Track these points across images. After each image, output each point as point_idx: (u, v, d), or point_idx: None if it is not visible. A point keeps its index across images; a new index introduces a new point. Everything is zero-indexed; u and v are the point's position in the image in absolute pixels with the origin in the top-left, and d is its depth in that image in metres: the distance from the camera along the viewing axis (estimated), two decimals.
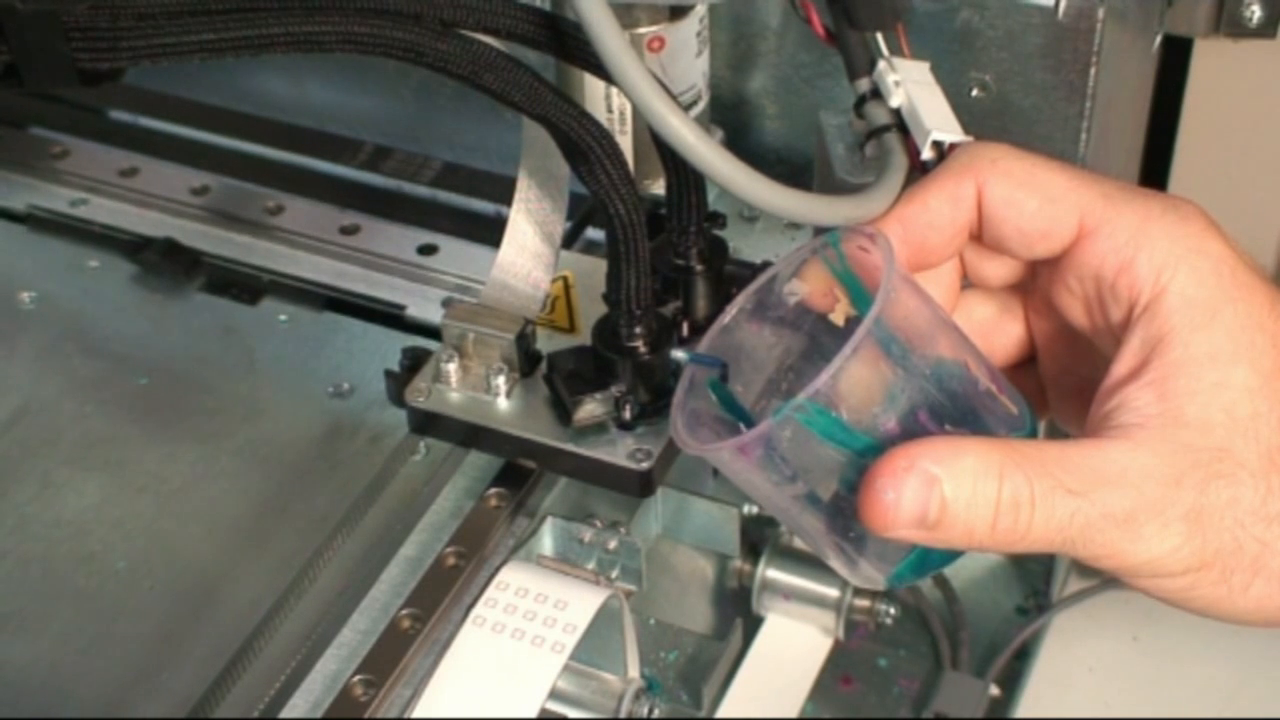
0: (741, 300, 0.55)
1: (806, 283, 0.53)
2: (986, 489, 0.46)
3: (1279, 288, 0.50)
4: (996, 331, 0.55)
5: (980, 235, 0.51)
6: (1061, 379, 0.55)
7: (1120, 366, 0.49)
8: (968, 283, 0.55)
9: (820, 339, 0.54)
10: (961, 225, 0.51)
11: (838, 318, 0.53)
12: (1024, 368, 0.56)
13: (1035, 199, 0.49)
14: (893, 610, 0.82)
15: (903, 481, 0.46)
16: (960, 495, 0.46)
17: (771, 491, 0.51)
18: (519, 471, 0.63)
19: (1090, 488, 0.46)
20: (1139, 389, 0.48)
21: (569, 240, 0.74)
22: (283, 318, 0.80)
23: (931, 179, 0.51)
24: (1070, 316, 0.52)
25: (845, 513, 0.50)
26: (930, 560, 0.51)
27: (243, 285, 0.81)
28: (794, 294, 0.54)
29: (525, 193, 0.64)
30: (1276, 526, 0.47)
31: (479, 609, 0.57)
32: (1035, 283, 0.54)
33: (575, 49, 0.57)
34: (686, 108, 0.68)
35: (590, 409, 0.60)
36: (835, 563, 0.52)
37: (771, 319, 0.55)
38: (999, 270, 0.54)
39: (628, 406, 0.60)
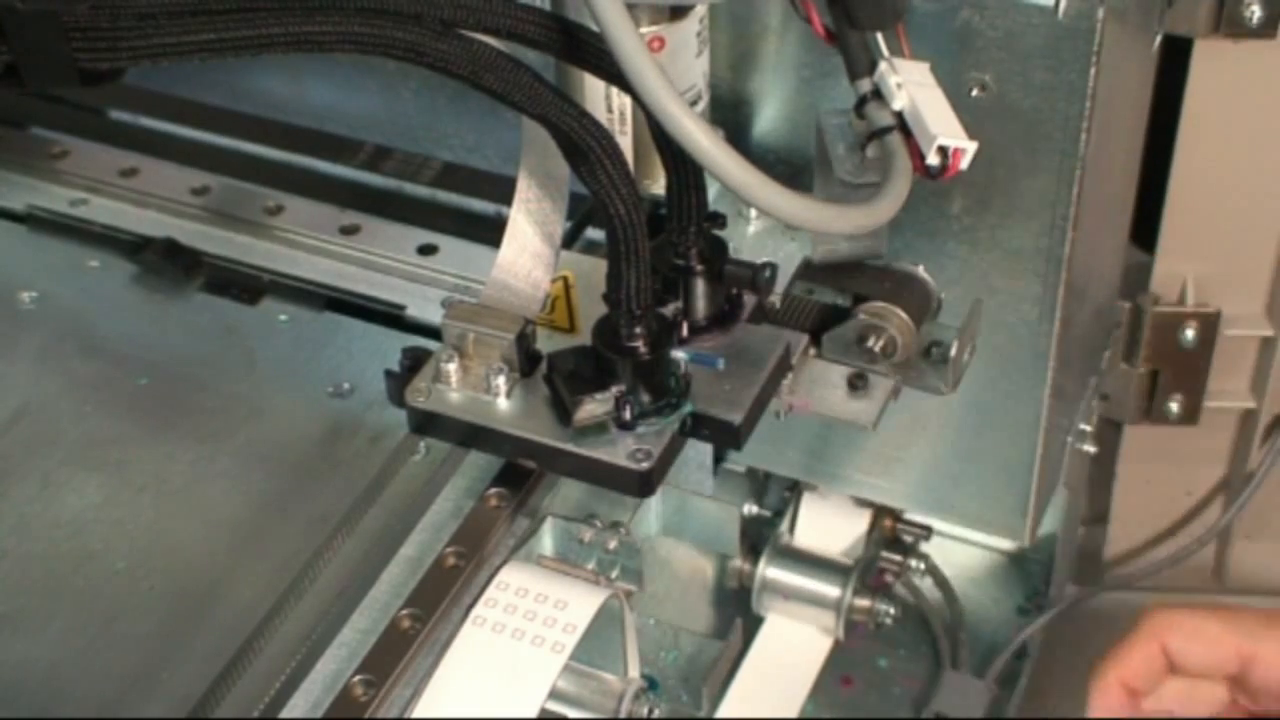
0: None
1: None
2: None
3: None
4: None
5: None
6: None
7: None
8: None
9: None
10: (1158, 675, 0.63)
11: None
12: None
13: (1200, 647, 0.62)
14: (893, 610, 0.82)
15: None
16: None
17: None
18: (519, 471, 0.63)
19: None
20: None
21: (569, 240, 0.74)
22: (283, 318, 0.80)
23: (1126, 652, 0.63)
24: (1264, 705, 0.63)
25: None
26: None
27: (243, 285, 0.81)
28: None
29: (525, 193, 0.64)
30: None
31: (479, 609, 0.57)
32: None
33: (576, 49, 0.57)
34: None
35: (590, 409, 0.60)
36: None
37: None
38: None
39: (628, 406, 0.60)
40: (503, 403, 0.62)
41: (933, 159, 0.54)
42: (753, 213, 0.73)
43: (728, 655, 0.75)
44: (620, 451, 0.60)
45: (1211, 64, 0.83)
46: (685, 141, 0.50)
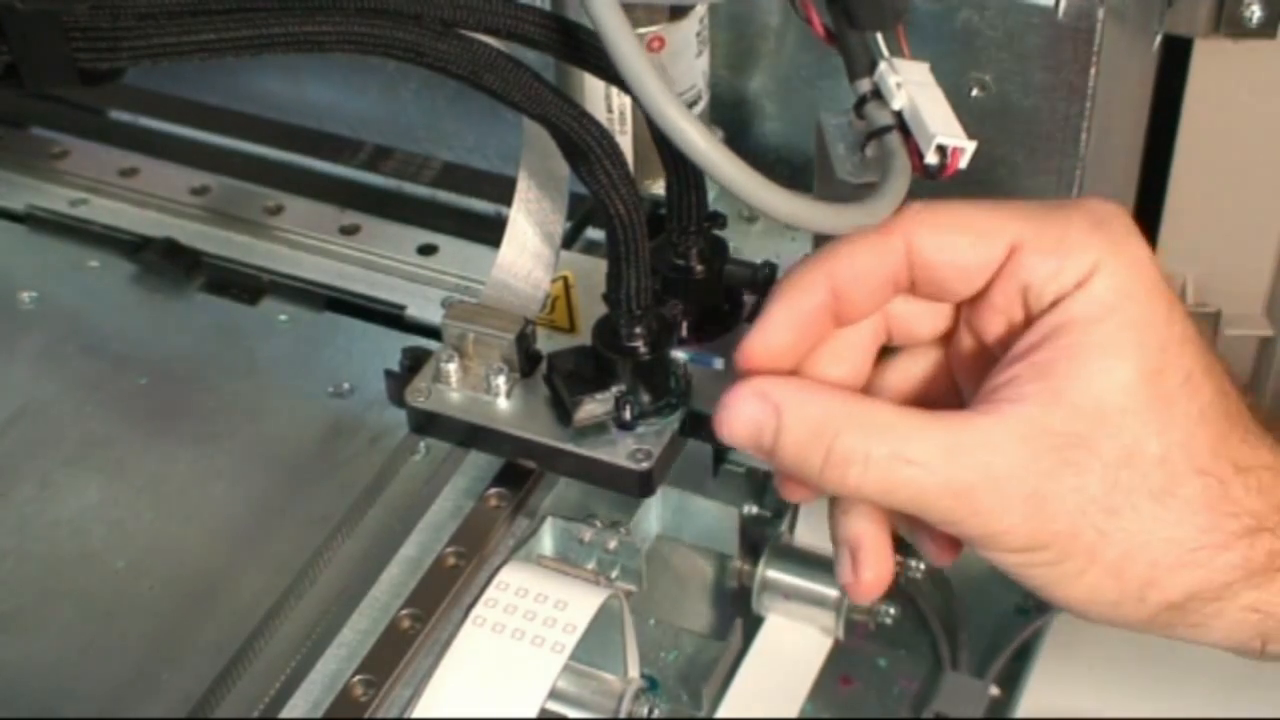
0: None
1: None
2: (819, 440, 0.49)
3: (1180, 299, 0.51)
4: (931, 386, 0.56)
5: (918, 287, 0.52)
6: None
7: (1017, 347, 0.50)
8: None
9: None
10: (886, 278, 0.52)
11: None
12: None
13: (966, 236, 0.51)
14: (892, 610, 0.81)
15: (748, 402, 0.50)
16: (792, 436, 0.49)
17: None
18: (519, 471, 0.63)
19: (932, 459, 0.48)
20: (1024, 367, 0.49)
21: (569, 240, 0.74)
22: (283, 318, 0.80)
23: (858, 235, 0.52)
24: (992, 337, 0.52)
25: None
26: None
27: (243, 285, 0.81)
28: None
29: (525, 193, 0.64)
30: (1116, 520, 0.48)
31: (479, 609, 0.57)
32: (959, 329, 0.54)
33: (576, 49, 0.57)
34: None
35: (590, 409, 0.60)
36: None
37: None
38: (927, 323, 0.54)
39: (628, 406, 0.60)
40: (503, 403, 0.62)
41: (931, 158, 0.54)
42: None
43: (728, 655, 0.75)
44: (620, 451, 0.60)
45: (1211, 64, 0.83)
46: (681, 143, 0.50)
